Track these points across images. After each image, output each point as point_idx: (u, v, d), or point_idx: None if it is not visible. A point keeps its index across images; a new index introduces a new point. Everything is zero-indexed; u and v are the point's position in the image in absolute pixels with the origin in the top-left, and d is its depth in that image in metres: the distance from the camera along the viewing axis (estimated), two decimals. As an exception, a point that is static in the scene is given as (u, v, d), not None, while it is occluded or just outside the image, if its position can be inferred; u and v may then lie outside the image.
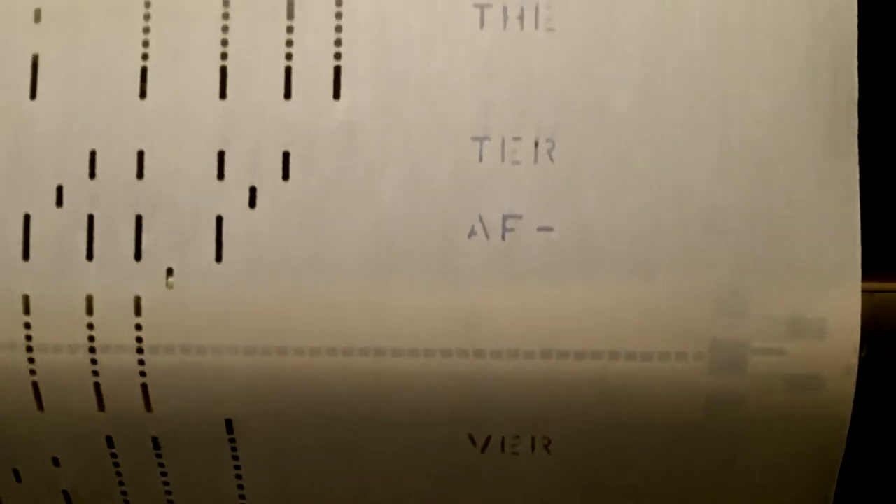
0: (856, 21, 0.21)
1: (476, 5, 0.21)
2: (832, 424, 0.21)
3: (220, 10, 0.21)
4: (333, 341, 0.21)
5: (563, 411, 0.21)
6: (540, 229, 0.21)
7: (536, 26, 0.21)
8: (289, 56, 0.21)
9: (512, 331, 0.21)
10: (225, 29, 0.21)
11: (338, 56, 0.21)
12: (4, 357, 0.21)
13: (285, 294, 0.21)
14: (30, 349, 0.21)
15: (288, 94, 0.21)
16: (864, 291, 0.21)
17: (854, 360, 0.21)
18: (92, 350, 0.21)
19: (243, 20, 0.21)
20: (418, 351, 0.21)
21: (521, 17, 0.21)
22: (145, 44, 0.21)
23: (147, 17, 0.21)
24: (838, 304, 0.21)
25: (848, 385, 0.21)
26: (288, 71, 0.21)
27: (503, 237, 0.21)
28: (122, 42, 0.21)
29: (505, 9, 0.21)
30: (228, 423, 0.22)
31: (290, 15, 0.21)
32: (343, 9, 0.21)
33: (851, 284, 0.21)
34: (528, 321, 0.21)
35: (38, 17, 0.21)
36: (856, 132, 0.21)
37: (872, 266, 0.21)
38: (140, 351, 0.21)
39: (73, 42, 0.21)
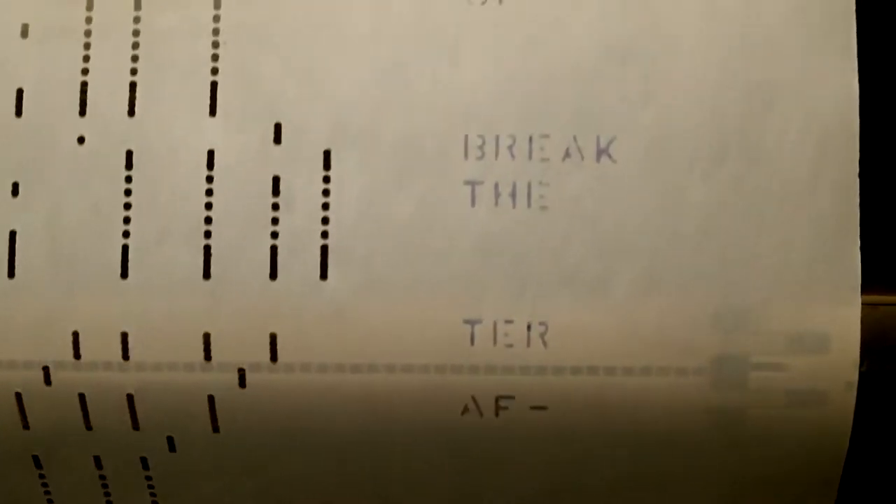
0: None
1: (467, 182, 0.21)
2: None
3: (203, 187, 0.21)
4: None
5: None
6: None
7: (529, 204, 0.21)
8: (274, 235, 0.21)
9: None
10: (209, 206, 0.21)
11: (325, 235, 0.21)
12: None
13: None
14: None
15: (274, 275, 0.20)
16: (864, 305, 0.20)
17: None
18: None
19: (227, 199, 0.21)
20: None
21: (512, 195, 0.21)
22: (126, 220, 0.21)
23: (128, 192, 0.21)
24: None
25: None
26: (273, 250, 0.20)
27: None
28: (104, 225, 0.21)
29: (497, 185, 0.20)
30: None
31: (276, 192, 0.21)
32: (331, 186, 0.21)
33: (852, 298, 0.20)
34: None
35: (15, 190, 0.21)
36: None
37: (873, 279, 0.20)
38: None
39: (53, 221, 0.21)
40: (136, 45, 0.21)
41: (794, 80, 0.20)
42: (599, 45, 0.21)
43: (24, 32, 0.21)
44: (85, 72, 0.21)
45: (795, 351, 0.21)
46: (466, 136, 0.20)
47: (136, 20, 0.21)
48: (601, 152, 0.20)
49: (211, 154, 0.20)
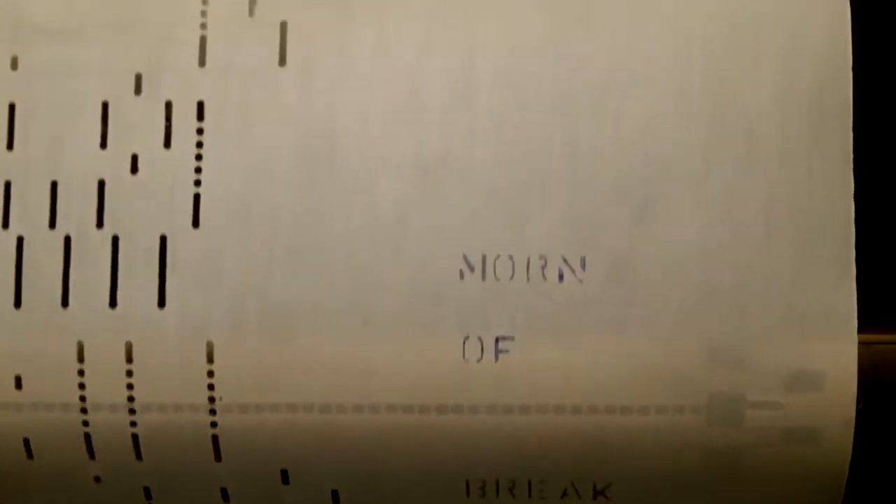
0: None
1: None
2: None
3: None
4: None
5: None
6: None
7: None
8: None
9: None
10: None
11: None
12: None
13: None
14: None
15: None
16: (861, 343, 0.21)
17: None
18: None
19: None
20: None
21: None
22: None
23: None
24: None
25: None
26: None
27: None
28: None
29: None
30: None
31: None
32: None
33: (848, 337, 0.21)
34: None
35: None
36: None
37: (868, 318, 0.21)
38: None
39: None
40: None
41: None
42: None
43: None
44: None
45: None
46: None
47: None
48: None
49: None
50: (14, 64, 0.21)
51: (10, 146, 0.21)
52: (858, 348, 0.21)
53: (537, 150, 0.21)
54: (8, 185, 0.21)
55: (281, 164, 0.21)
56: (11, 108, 0.21)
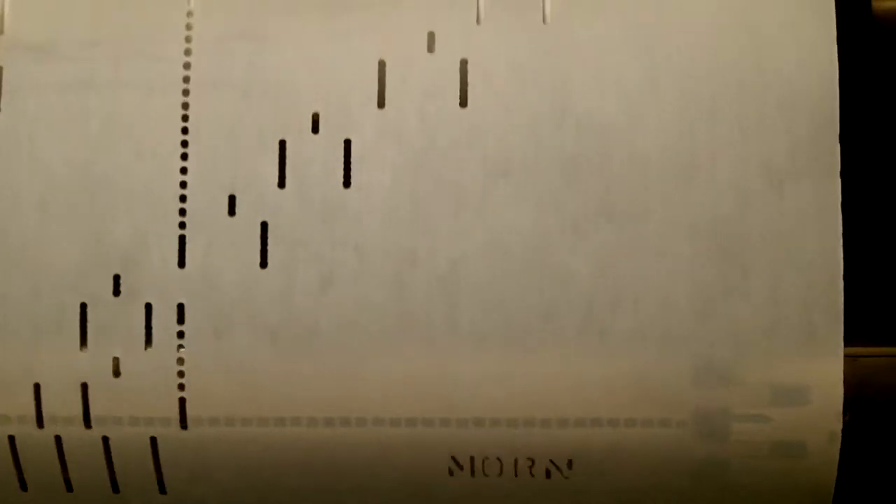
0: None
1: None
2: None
3: None
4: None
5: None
6: None
7: None
8: None
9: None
10: None
11: None
12: None
13: None
14: None
15: None
16: (847, 356, 0.21)
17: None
18: None
19: None
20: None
21: None
22: None
23: None
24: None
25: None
26: None
27: None
28: None
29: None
30: None
31: None
32: None
33: (834, 351, 0.21)
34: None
35: None
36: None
37: (854, 331, 0.21)
38: None
39: None
40: None
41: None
42: None
43: None
44: None
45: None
46: None
47: None
48: None
49: None
50: None
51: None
52: (844, 362, 0.21)
53: None
54: None
55: None
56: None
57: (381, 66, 0.21)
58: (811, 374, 0.21)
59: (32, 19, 0.21)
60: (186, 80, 0.21)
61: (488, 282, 0.21)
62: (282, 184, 0.21)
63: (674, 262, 0.21)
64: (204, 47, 0.21)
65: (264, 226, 0.21)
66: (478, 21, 0.21)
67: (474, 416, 0.21)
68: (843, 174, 0.21)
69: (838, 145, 0.21)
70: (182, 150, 0.21)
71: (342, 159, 0.21)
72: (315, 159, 0.21)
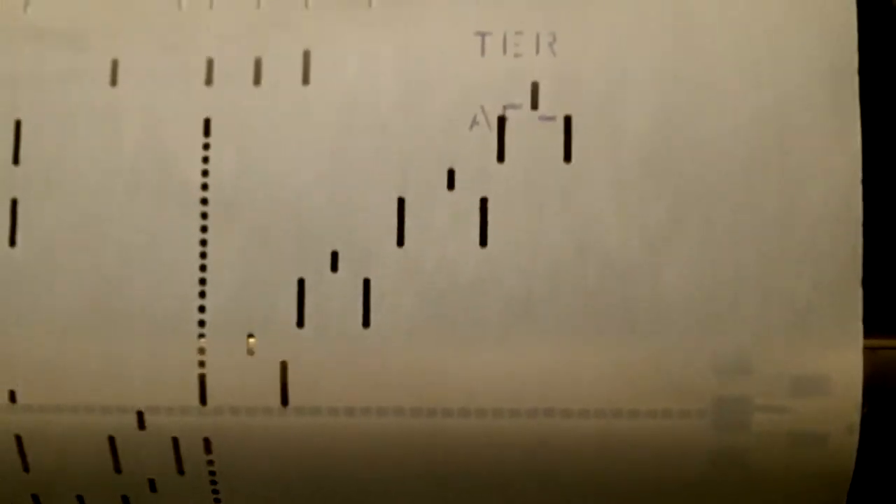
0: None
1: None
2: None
3: None
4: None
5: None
6: None
7: None
8: None
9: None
10: None
11: None
12: None
13: None
14: None
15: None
16: (866, 348, 0.21)
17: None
18: None
19: None
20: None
21: None
22: None
23: None
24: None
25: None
26: None
27: None
28: None
29: None
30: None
31: None
32: None
33: (854, 342, 0.21)
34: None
35: None
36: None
37: (874, 323, 0.21)
38: None
39: None
40: None
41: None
42: None
43: None
44: None
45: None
46: None
47: None
48: None
49: None
50: None
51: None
52: (864, 353, 0.21)
53: None
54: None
55: None
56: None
57: (401, 203, 0.21)
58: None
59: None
60: (204, 216, 0.21)
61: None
62: (300, 323, 0.21)
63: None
64: (222, 183, 0.21)
65: (284, 365, 0.21)
66: (499, 159, 0.21)
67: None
68: (863, 165, 0.21)
69: (860, 290, 0.21)
70: (200, 288, 0.21)
71: (361, 298, 0.21)
72: (334, 298, 0.21)
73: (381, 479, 0.21)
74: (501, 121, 0.21)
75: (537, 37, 0.21)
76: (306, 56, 0.21)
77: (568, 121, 0.21)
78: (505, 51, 0.21)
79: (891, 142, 0.21)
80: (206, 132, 0.21)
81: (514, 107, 0.21)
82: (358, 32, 0.21)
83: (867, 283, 0.21)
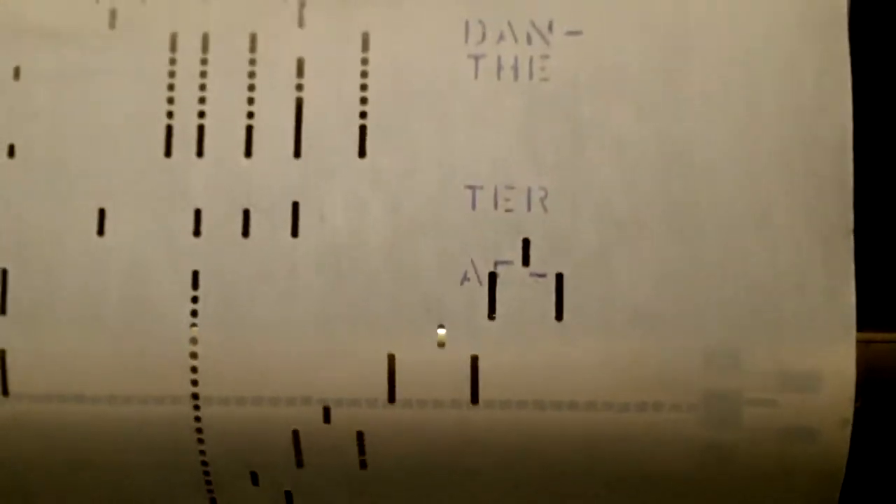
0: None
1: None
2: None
3: None
4: None
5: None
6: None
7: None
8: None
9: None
10: None
11: None
12: None
13: None
14: None
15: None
16: (859, 342, 0.20)
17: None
18: None
19: None
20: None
21: None
22: None
23: None
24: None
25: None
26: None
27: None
28: None
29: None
30: None
31: None
32: None
33: (846, 337, 0.20)
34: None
35: None
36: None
37: (865, 316, 0.21)
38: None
39: None
40: None
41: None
42: None
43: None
44: None
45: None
46: None
47: None
48: None
49: None
50: None
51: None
52: (857, 347, 0.20)
53: None
54: None
55: None
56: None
57: (391, 360, 0.21)
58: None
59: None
60: (195, 383, 0.21)
61: None
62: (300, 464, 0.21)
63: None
64: (208, 361, 0.21)
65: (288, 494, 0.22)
66: (489, 316, 0.21)
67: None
68: (855, 159, 0.21)
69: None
70: (198, 436, 0.21)
71: (356, 447, 0.21)
72: (327, 447, 0.21)
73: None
74: (493, 276, 0.21)
75: (528, 192, 0.21)
76: (295, 207, 0.21)
77: (560, 278, 0.21)
78: (496, 205, 0.21)
79: (883, 133, 0.21)
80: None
81: (505, 262, 0.21)
82: (347, 182, 0.21)
83: (860, 276, 0.20)
